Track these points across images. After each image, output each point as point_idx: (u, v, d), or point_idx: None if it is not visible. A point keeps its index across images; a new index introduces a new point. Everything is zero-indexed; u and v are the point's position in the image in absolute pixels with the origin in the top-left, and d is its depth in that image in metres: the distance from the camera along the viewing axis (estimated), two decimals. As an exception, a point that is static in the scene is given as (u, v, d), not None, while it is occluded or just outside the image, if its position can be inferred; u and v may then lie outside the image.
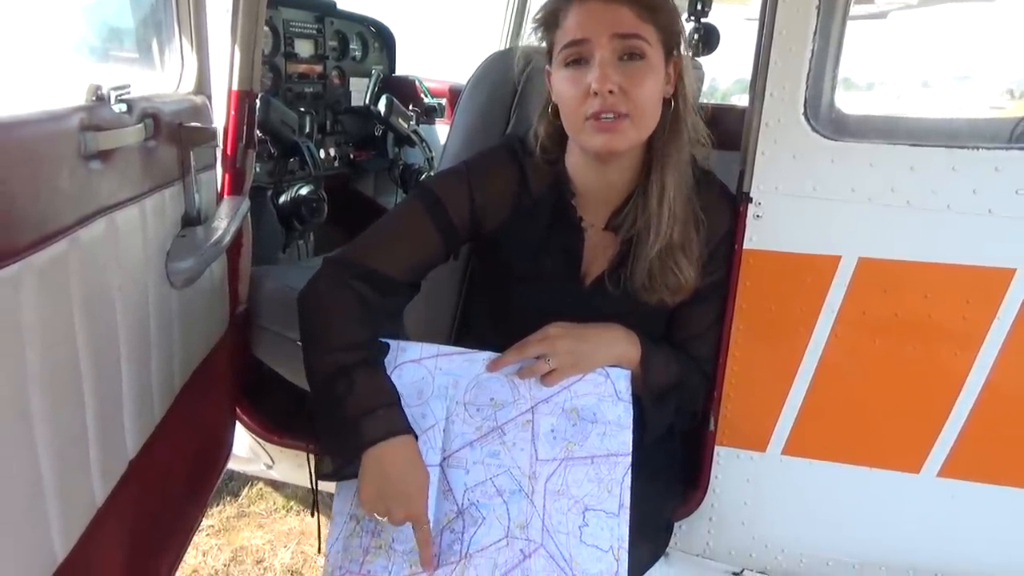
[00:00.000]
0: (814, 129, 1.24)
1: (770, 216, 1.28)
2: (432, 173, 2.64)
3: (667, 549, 1.42)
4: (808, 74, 1.23)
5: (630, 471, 1.16)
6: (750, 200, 1.28)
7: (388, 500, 1.10)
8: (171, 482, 1.43)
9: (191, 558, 2.18)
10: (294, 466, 1.90)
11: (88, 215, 1.00)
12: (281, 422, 1.84)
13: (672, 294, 1.21)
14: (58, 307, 0.94)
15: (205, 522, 2.32)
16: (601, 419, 1.18)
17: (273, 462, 1.94)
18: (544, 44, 1.19)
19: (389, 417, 1.12)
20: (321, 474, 1.19)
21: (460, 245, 1.31)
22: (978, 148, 1.20)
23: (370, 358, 1.16)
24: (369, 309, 1.19)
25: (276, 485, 2.55)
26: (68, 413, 0.98)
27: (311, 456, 1.48)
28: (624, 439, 1.17)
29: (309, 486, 1.73)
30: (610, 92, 1.08)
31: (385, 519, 1.11)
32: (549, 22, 1.15)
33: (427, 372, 1.19)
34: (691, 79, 1.19)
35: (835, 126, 1.29)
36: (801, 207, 1.27)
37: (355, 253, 1.24)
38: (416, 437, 1.14)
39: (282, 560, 2.25)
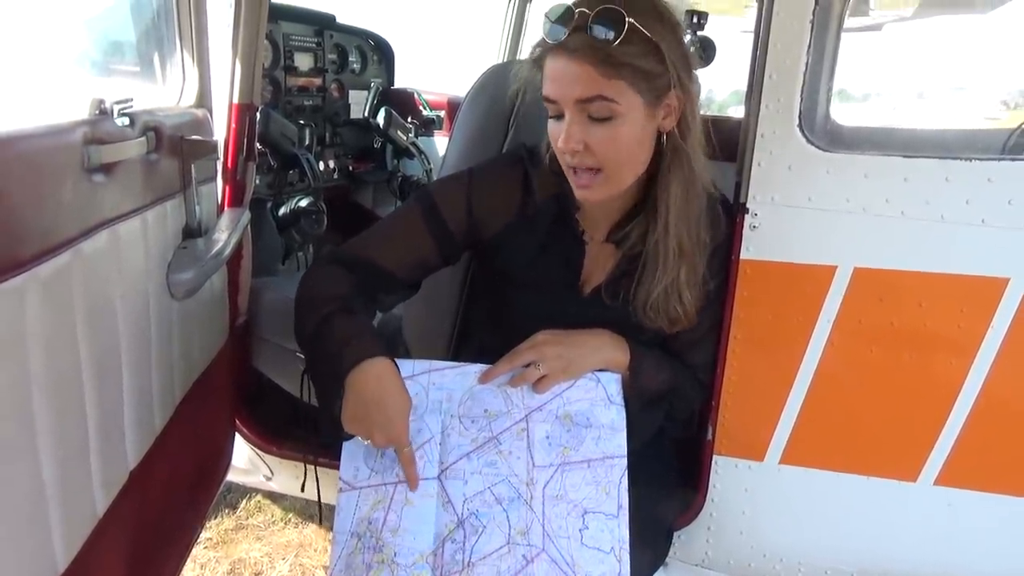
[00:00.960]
0: (809, 141, 1.26)
1: (767, 227, 1.29)
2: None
3: (666, 559, 1.43)
4: (803, 87, 1.24)
5: (627, 472, 1.17)
6: (747, 211, 1.29)
7: (368, 424, 1.11)
8: (171, 493, 1.43)
9: (189, 571, 2.17)
10: (293, 477, 1.90)
11: (91, 227, 1.01)
12: (280, 433, 1.85)
13: (671, 324, 1.23)
14: (61, 318, 0.95)
15: (203, 535, 2.31)
16: (595, 423, 1.19)
17: (272, 473, 1.94)
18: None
19: (363, 344, 1.14)
20: (323, 443, 1.19)
21: (459, 250, 1.32)
22: (971, 159, 1.21)
23: (349, 306, 1.19)
24: (356, 289, 1.23)
25: (274, 497, 2.55)
26: (70, 423, 0.99)
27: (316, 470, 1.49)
28: (619, 441, 1.18)
29: (307, 497, 1.74)
30: (575, 149, 1.10)
31: (368, 442, 1.13)
32: (538, 64, 1.14)
33: (421, 388, 1.20)
34: (695, 110, 1.15)
35: (830, 138, 1.31)
36: (797, 218, 1.28)
37: (351, 246, 1.29)
38: (395, 362, 1.15)
39: (280, 573, 2.24)
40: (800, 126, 1.26)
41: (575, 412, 1.19)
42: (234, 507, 2.52)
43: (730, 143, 1.34)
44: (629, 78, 1.06)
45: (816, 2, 1.21)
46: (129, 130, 1.14)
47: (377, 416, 1.11)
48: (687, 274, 1.19)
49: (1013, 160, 1.22)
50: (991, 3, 2.38)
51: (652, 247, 1.19)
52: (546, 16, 1.08)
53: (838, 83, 1.35)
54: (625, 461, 1.17)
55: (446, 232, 1.27)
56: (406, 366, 1.21)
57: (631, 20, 1.03)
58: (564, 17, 1.06)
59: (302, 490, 1.55)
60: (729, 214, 1.30)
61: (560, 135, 1.11)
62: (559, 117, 1.12)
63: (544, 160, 1.25)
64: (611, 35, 1.04)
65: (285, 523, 2.47)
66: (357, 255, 1.27)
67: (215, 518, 2.45)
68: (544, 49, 1.10)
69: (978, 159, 1.21)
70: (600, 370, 1.22)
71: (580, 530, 1.14)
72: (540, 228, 1.27)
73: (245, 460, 1.91)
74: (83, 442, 1.02)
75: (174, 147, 1.33)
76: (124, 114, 1.13)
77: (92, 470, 1.05)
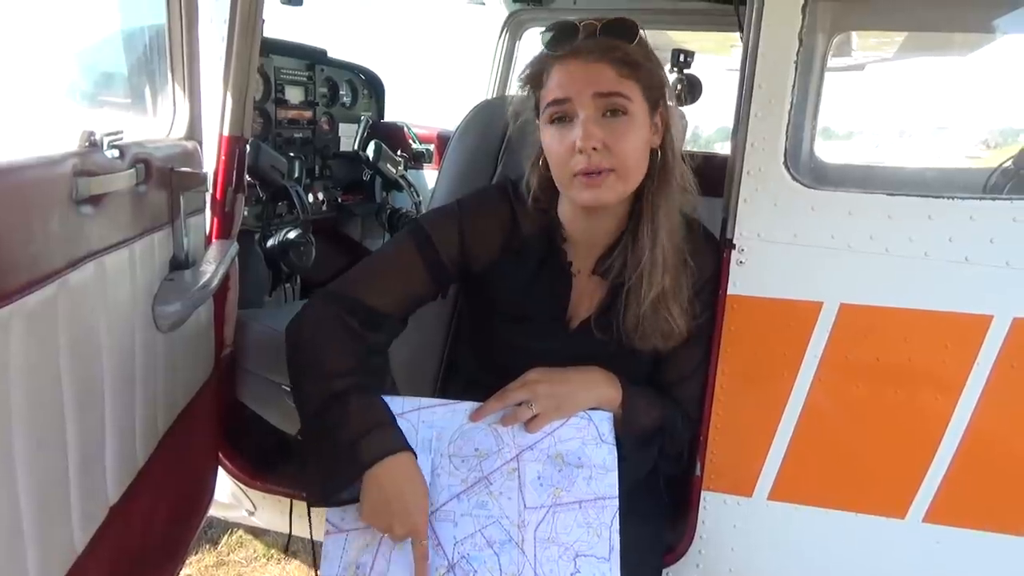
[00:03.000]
0: (794, 178, 1.28)
1: (753, 262, 1.30)
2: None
3: (655, 596, 1.41)
4: (787, 125, 1.26)
5: (618, 514, 1.15)
6: (733, 247, 1.30)
7: (388, 517, 1.11)
8: (152, 528, 1.40)
9: (169, 608, 2.13)
10: (276, 512, 1.87)
11: (78, 259, 1.01)
12: (265, 467, 1.82)
13: (665, 340, 1.23)
14: (45, 350, 0.94)
15: (183, 571, 2.26)
16: (587, 463, 1.18)
17: (255, 508, 1.91)
18: (532, 99, 1.21)
19: (384, 436, 1.13)
20: (312, 501, 1.19)
21: (449, 283, 1.32)
22: (953, 198, 1.23)
23: (362, 383, 1.17)
24: (358, 340, 1.21)
25: (256, 533, 2.51)
26: (50, 456, 0.97)
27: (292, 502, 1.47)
28: (611, 482, 1.17)
29: (291, 533, 1.71)
30: (594, 149, 1.11)
31: (386, 535, 1.13)
32: (534, 81, 1.18)
33: (410, 426, 1.18)
34: (678, 129, 1.21)
35: (815, 175, 1.32)
36: (783, 254, 1.29)
37: (344, 286, 1.26)
38: (415, 453, 1.14)
39: (262, 610, 2.20)
40: (785, 164, 1.27)
41: (566, 451, 1.18)
42: (215, 543, 2.48)
43: (717, 179, 1.35)
44: (641, 79, 1.13)
45: (800, 43, 1.23)
46: (118, 162, 1.14)
47: (398, 510, 1.10)
48: (672, 285, 1.20)
49: (995, 199, 1.24)
50: (969, 46, 2.44)
51: (636, 264, 1.20)
52: (548, 31, 1.13)
53: (823, 121, 1.37)
54: (617, 502, 1.16)
55: (440, 264, 1.27)
56: (395, 403, 1.20)
57: (642, 32, 1.11)
58: (568, 28, 1.12)
59: (290, 529, 1.53)
60: (715, 249, 1.31)
61: (571, 143, 1.12)
62: (562, 120, 1.14)
63: (528, 200, 1.26)
64: (627, 37, 1.11)
65: (267, 559, 2.43)
66: (353, 297, 1.24)
67: (196, 554, 2.40)
68: (547, 62, 1.14)
69: (960, 198, 1.23)
70: (592, 408, 1.21)
71: (572, 574, 1.13)
72: (528, 262, 1.27)
73: (228, 494, 1.87)
74: (62, 475, 1.01)
75: (163, 179, 1.33)
76: (114, 146, 1.13)
77: (71, 504, 1.03)
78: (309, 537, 1.37)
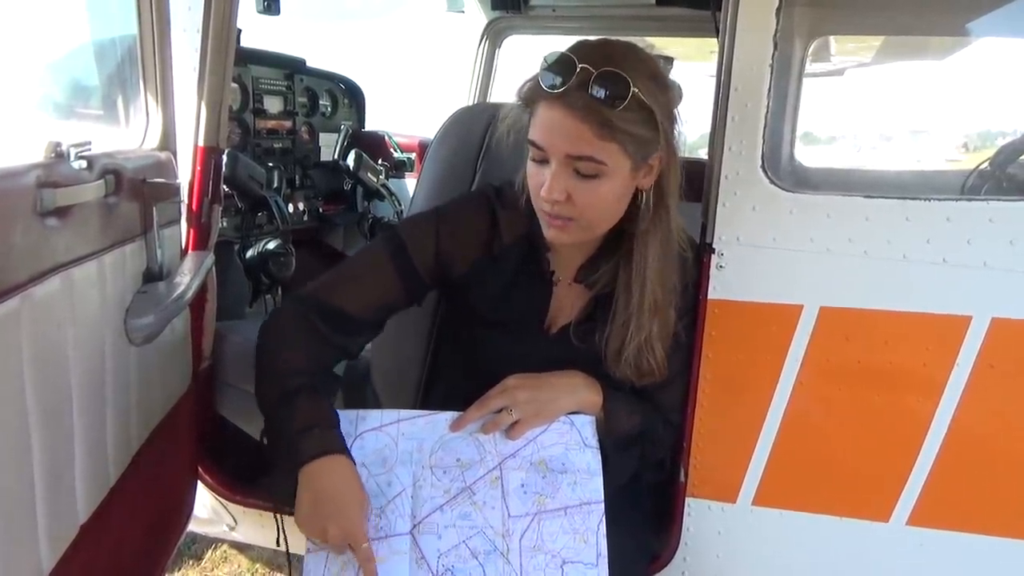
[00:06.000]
0: (772, 182, 1.27)
1: (733, 267, 1.30)
2: (403, 220, 2.66)
3: (640, 605, 1.40)
4: (765, 129, 1.26)
5: (604, 518, 1.14)
6: (713, 251, 1.30)
7: (323, 519, 1.09)
8: (126, 546, 1.38)
9: (149, 627, 2.09)
10: (257, 526, 1.85)
11: (43, 271, 0.99)
12: (245, 481, 1.79)
13: (640, 377, 1.22)
14: (8, 364, 0.91)
15: (165, 588, 2.23)
16: (571, 468, 1.17)
17: (236, 523, 1.89)
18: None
19: (324, 436, 1.13)
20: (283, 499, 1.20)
21: (425, 291, 1.31)
22: (930, 199, 1.23)
23: (313, 384, 1.18)
24: (322, 343, 1.22)
25: (241, 548, 2.47)
26: (14, 475, 0.95)
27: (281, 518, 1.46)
28: (596, 486, 1.16)
29: (273, 547, 1.68)
30: (556, 200, 1.10)
31: (321, 542, 1.11)
32: (528, 105, 1.15)
33: (390, 439, 1.17)
34: (676, 170, 1.16)
35: (793, 179, 1.32)
36: (762, 258, 1.29)
37: (317, 289, 1.27)
38: (353, 461, 1.14)
39: (246, 626, 2.17)
40: (763, 167, 1.27)
41: (549, 457, 1.17)
42: (199, 558, 2.45)
43: (696, 183, 1.35)
44: (623, 143, 1.07)
45: (775, 47, 1.23)
46: (86, 173, 1.12)
47: (332, 511, 1.09)
48: (660, 328, 1.19)
49: (971, 200, 1.24)
50: (944, 50, 2.46)
51: (624, 303, 1.18)
52: (544, 59, 1.08)
53: (804, 126, 1.37)
54: (602, 506, 1.15)
55: (414, 273, 1.26)
56: (374, 417, 1.19)
57: (635, 90, 1.03)
58: (564, 66, 1.05)
59: (277, 544, 1.51)
60: (696, 254, 1.30)
61: (543, 183, 1.10)
62: (542, 162, 1.11)
63: (520, 200, 1.24)
64: (614, 100, 1.03)
65: (252, 574, 2.40)
66: (323, 301, 1.24)
67: (179, 570, 2.37)
68: (538, 93, 1.10)
69: (936, 199, 1.23)
70: (573, 412, 1.20)
71: None
72: (506, 268, 1.26)
73: (207, 510, 1.85)
74: (28, 494, 0.98)
75: (135, 190, 1.31)
76: (81, 157, 1.11)
77: (38, 523, 1.01)
78: (285, 550, 1.35)
